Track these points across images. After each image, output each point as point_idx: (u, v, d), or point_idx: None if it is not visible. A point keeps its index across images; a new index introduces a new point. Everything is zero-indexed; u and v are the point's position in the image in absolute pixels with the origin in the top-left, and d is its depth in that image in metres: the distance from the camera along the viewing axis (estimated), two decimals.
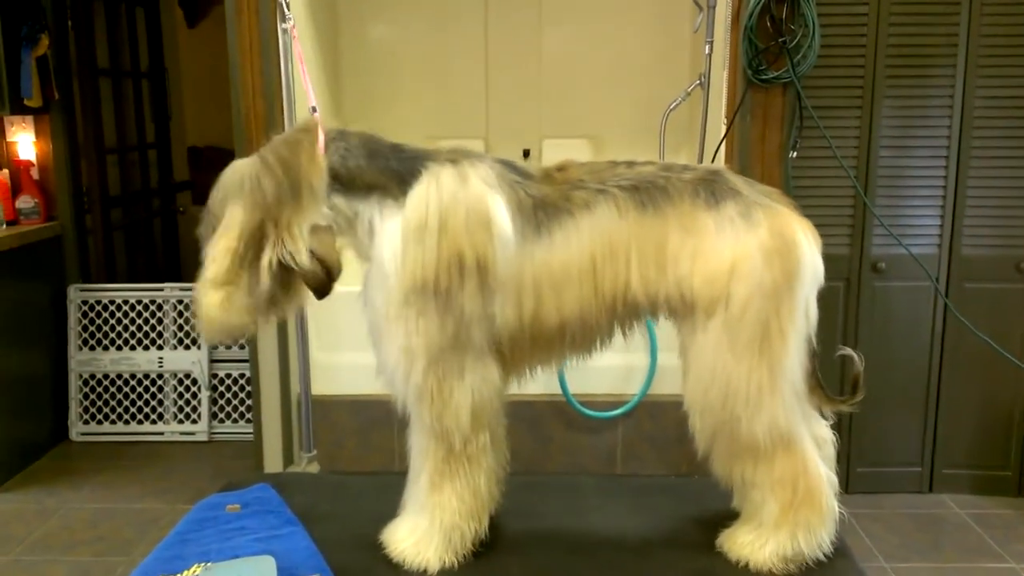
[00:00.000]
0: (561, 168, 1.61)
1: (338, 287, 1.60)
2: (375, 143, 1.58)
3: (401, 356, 1.52)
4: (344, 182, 1.54)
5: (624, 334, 1.64)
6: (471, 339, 1.50)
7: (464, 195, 1.50)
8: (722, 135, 3.22)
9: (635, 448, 3.33)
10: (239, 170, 1.52)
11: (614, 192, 1.55)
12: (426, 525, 1.59)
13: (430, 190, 1.50)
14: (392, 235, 1.51)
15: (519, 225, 1.52)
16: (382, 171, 1.54)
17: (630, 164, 1.61)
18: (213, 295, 1.48)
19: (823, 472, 1.59)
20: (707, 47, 3.28)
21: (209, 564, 1.54)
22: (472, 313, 1.49)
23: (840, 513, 1.63)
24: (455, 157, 1.56)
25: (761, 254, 1.50)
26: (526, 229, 1.52)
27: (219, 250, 1.48)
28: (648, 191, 1.55)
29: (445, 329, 1.49)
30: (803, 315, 1.54)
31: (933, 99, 3.19)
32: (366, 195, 1.55)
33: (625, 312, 1.58)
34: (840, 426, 3.37)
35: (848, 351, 1.71)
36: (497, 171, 1.56)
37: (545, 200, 1.55)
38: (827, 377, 1.71)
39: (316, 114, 1.76)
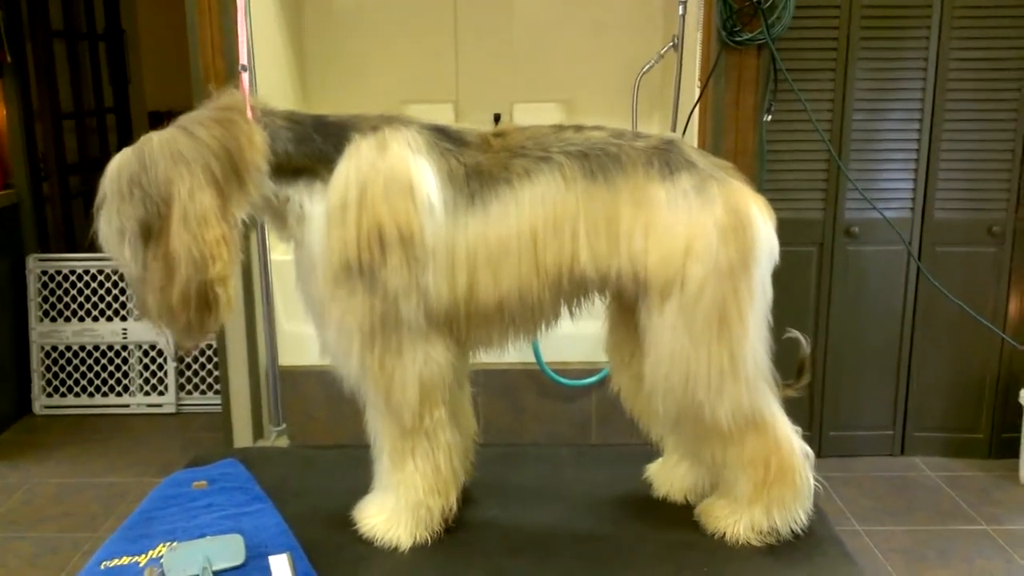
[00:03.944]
0: (500, 134, 1.53)
1: None
2: (299, 122, 1.49)
3: (339, 337, 1.47)
4: (273, 167, 1.45)
5: (571, 312, 1.58)
6: (400, 316, 1.44)
7: (383, 164, 1.42)
8: (696, 98, 3.17)
9: (610, 416, 3.32)
10: (170, 145, 1.39)
11: (559, 160, 1.47)
12: (393, 503, 1.56)
13: (350, 165, 1.43)
14: (320, 218, 1.45)
15: (450, 195, 1.44)
16: (308, 154, 1.46)
17: (578, 129, 1.53)
18: (231, 289, 1.40)
19: (797, 446, 1.56)
20: (681, 8, 3.22)
21: (175, 543, 1.49)
22: (398, 288, 1.42)
23: (816, 481, 1.61)
24: (377, 124, 1.47)
25: (717, 232, 1.44)
26: (458, 199, 1.44)
27: (213, 242, 1.36)
28: (598, 159, 1.47)
29: (374, 307, 1.43)
30: (761, 294, 1.49)
31: (907, 62, 3.17)
32: (294, 179, 1.47)
33: (572, 288, 1.51)
34: (812, 389, 3.40)
35: (795, 333, 1.66)
36: (426, 137, 1.47)
37: (479, 168, 1.47)
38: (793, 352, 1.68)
39: (245, 75, 1.67)
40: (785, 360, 1.64)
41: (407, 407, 1.49)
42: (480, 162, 1.48)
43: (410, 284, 1.43)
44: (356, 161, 1.43)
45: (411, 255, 1.42)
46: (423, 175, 1.43)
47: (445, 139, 1.50)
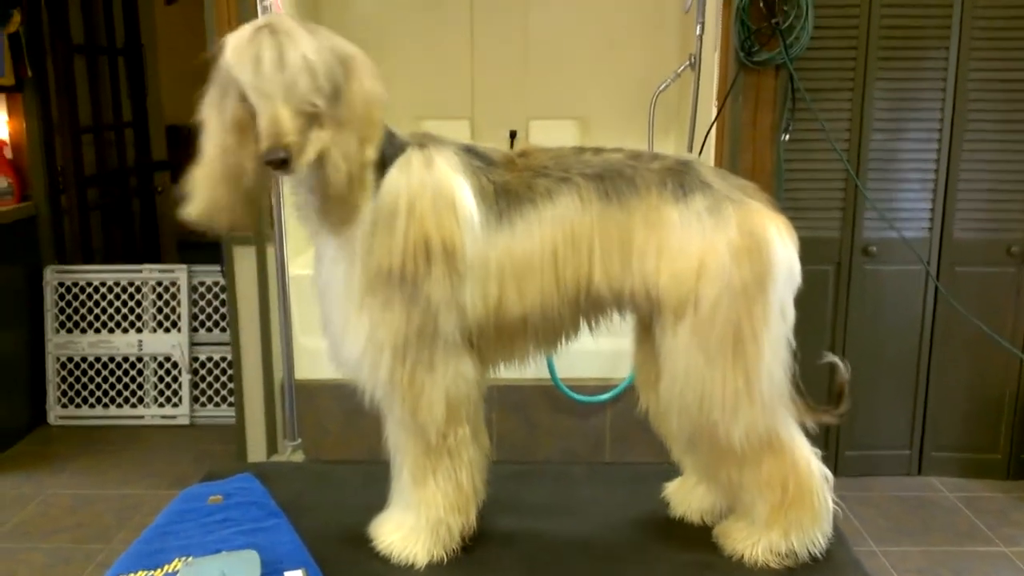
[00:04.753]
0: (523, 154, 1.55)
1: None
2: (386, 124, 1.50)
3: (367, 348, 1.45)
4: None
5: (591, 328, 1.59)
6: (439, 330, 1.44)
7: (430, 179, 1.44)
8: (713, 117, 3.17)
9: (624, 433, 3.30)
10: (340, 42, 1.42)
11: (578, 181, 1.49)
12: (412, 521, 1.55)
13: (401, 176, 1.45)
14: (363, 220, 1.44)
15: (482, 211, 1.46)
16: (382, 152, 1.45)
17: (597, 151, 1.55)
18: (368, 183, 1.40)
19: (815, 469, 1.55)
20: (698, 27, 3.23)
21: (191, 558, 1.49)
22: (439, 301, 1.43)
23: (834, 504, 1.59)
24: (424, 142, 1.50)
25: (730, 253, 1.44)
26: (489, 216, 1.46)
27: (377, 122, 1.38)
28: (613, 180, 1.48)
29: (411, 320, 1.43)
30: (779, 317, 1.48)
31: (926, 82, 3.16)
32: None
33: (589, 307, 1.52)
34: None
35: (834, 358, 1.65)
36: (461, 156, 1.50)
37: (507, 187, 1.49)
38: (818, 378, 1.66)
39: None
40: (815, 381, 1.63)
41: (433, 424, 1.49)
42: (508, 180, 1.50)
43: (451, 298, 1.44)
44: (407, 172, 1.45)
45: (453, 269, 1.43)
46: (464, 192, 1.45)
47: (476, 158, 1.52)
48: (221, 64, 1.35)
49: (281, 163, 1.28)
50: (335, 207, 1.39)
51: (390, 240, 1.42)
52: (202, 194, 1.39)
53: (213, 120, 1.37)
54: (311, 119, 1.32)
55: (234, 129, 1.35)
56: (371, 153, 1.38)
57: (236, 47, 1.32)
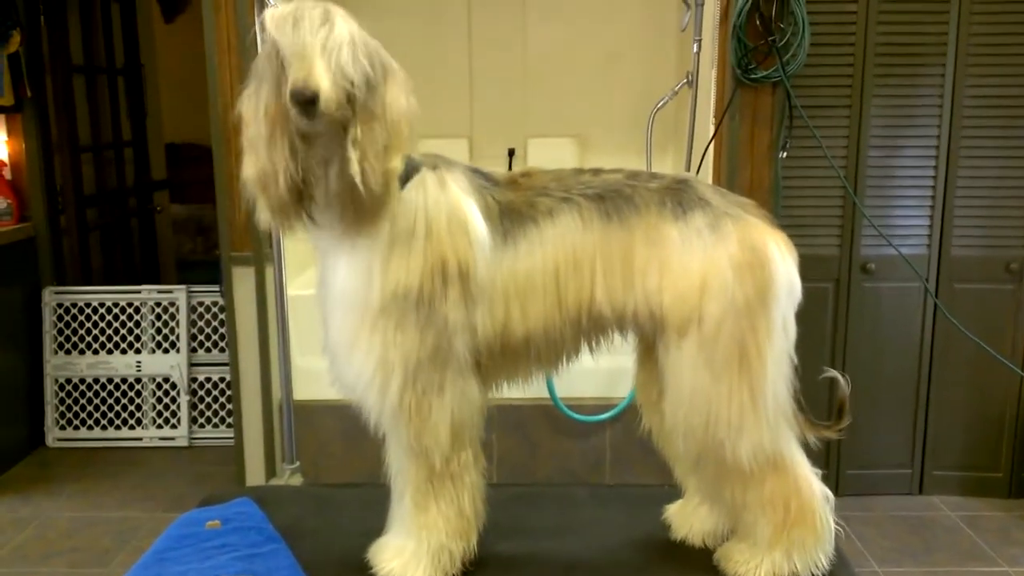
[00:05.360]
0: (526, 174, 1.56)
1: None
2: None
3: (377, 370, 1.44)
4: None
5: (591, 349, 1.59)
6: (452, 352, 1.44)
7: (444, 200, 1.45)
8: (711, 135, 3.18)
9: (624, 453, 3.29)
10: (383, 50, 1.45)
11: (579, 201, 1.50)
12: (413, 547, 1.54)
13: (417, 196, 1.45)
14: (382, 241, 1.44)
15: (489, 231, 1.47)
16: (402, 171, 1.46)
17: (596, 172, 1.56)
18: (394, 190, 1.41)
19: (817, 489, 1.55)
20: (695, 45, 3.24)
21: None
22: (456, 323, 1.43)
23: (836, 524, 1.58)
24: (436, 163, 1.51)
25: (731, 268, 1.45)
26: (495, 236, 1.47)
27: (405, 133, 1.39)
28: (613, 200, 1.50)
29: (425, 341, 1.42)
30: (781, 333, 1.48)
31: (922, 98, 3.17)
32: None
33: (591, 327, 1.53)
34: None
35: (834, 373, 1.65)
36: (468, 177, 1.51)
37: (511, 207, 1.50)
38: (817, 394, 1.65)
39: None
40: (815, 399, 1.62)
41: (438, 448, 1.48)
42: (512, 200, 1.51)
43: (465, 320, 1.44)
44: (423, 192, 1.45)
45: (467, 290, 1.44)
46: (474, 213, 1.46)
47: (481, 178, 1.53)
48: (260, 49, 1.34)
49: (308, 103, 1.25)
50: (361, 205, 1.37)
51: (408, 260, 1.42)
52: (258, 198, 1.38)
53: (250, 112, 1.36)
54: (345, 99, 1.31)
55: (269, 120, 1.32)
56: (397, 163, 1.38)
57: (275, 16, 1.31)
